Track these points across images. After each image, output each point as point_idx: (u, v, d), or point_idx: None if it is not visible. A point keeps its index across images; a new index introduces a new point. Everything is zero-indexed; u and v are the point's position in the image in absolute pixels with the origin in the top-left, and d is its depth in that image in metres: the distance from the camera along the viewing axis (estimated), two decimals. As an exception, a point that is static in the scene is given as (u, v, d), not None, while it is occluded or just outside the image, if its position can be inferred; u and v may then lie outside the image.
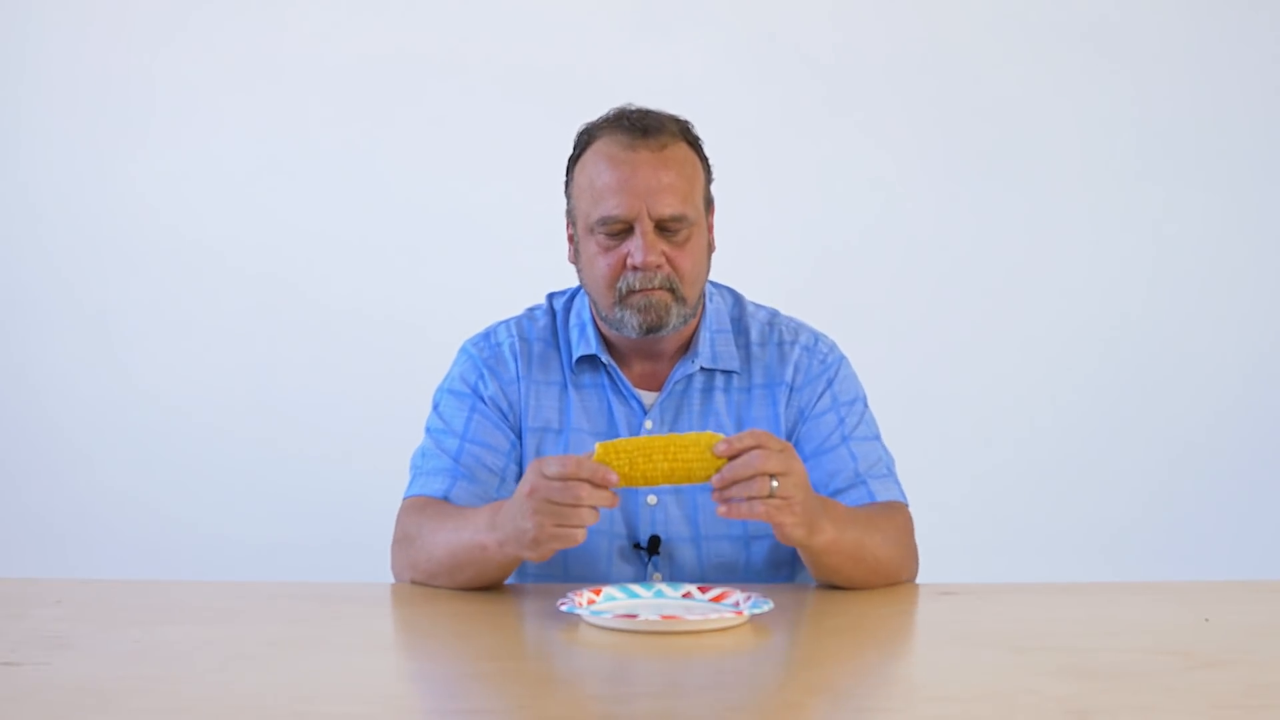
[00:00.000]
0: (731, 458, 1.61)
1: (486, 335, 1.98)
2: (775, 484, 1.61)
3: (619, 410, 1.91)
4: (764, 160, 3.16)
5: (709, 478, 1.62)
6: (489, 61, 3.15)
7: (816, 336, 1.97)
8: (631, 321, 1.84)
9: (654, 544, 1.88)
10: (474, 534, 1.72)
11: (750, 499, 1.61)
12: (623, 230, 1.83)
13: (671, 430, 1.89)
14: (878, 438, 1.93)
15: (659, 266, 1.83)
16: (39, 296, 3.16)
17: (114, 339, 3.16)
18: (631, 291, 1.83)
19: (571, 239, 1.93)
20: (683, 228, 1.84)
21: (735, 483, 1.60)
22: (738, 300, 2.00)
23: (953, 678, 1.44)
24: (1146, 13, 3.16)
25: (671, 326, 1.86)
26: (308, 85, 3.14)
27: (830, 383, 1.93)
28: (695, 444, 1.63)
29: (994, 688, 1.38)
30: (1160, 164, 3.17)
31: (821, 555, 1.73)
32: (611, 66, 3.13)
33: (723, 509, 1.62)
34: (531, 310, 2.00)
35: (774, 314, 2.00)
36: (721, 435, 1.64)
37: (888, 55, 3.17)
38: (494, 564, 1.72)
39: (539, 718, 1.30)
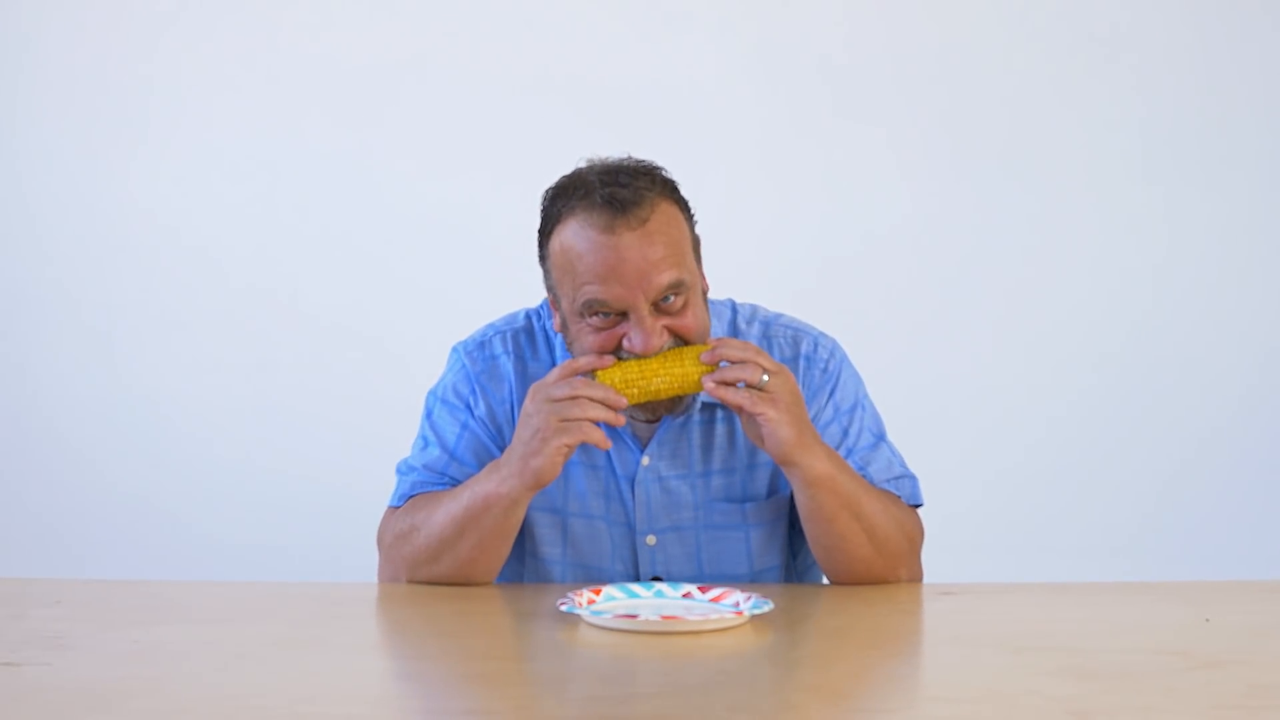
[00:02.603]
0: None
1: (481, 344, 1.91)
2: (766, 378, 1.65)
3: (613, 446, 1.83)
4: (771, 163, 3.16)
5: (703, 372, 1.69)
6: (491, 63, 3.15)
7: (816, 342, 1.90)
8: (640, 415, 1.78)
9: None
10: (473, 490, 1.72)
11: (739, 385, 1.66)
12: (616, 314, 1.73)
13: (671, 465, 1.85)
14: (882, 436, 1.89)
15: (661, 347, 1.73)
16: (37, 297, 3.16)
17: (112, 340, 3.16)
18: None
19: (555, 307, 1.81)
20: (680, 296, 1.74)
21: (728, 361, 1.67)
22: (733, 316, 1.92)
23: (953, 678, 1.44)
24: (1152, 14, 3.16)
25: (683, 405, 1.79)
26: (305, 88, 3.14)
27: (832, 392, 1.87)
28: (686, 356, 1.69)
29: (994, 688, 1.38)
30: (1166, 165, 3.17)
31: (815, 489, 1.72)
32: (616, 69, 3.13)
33: (710, 385, 1.66)
34: (529, 321, 1.92)
35: (767, 324, 1.91)
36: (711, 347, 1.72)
37: (895, 57, 3.17)
38: (499, 513, 1.71)
39: (538, 718, 1.30)
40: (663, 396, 1.70)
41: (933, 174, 3.18)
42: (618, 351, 1.75)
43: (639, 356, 1.73)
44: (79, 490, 3.17)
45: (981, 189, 3.18)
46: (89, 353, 3.16)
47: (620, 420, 1.68)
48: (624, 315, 1.73)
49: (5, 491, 3.17)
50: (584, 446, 1.82)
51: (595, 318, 1.74)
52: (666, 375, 1.68)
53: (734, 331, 1.91)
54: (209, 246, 3.16)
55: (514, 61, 3.14)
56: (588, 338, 1.75)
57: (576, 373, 1.68)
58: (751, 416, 1.69)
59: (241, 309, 3.16)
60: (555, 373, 1.69)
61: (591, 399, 1.65)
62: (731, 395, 1.65)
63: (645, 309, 1.72)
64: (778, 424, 1.65)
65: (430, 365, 1.98)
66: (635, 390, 1.69)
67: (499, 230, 3.04)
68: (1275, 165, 3.18)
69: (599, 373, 1.68)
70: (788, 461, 1.70)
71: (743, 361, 1.68)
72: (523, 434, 1.68)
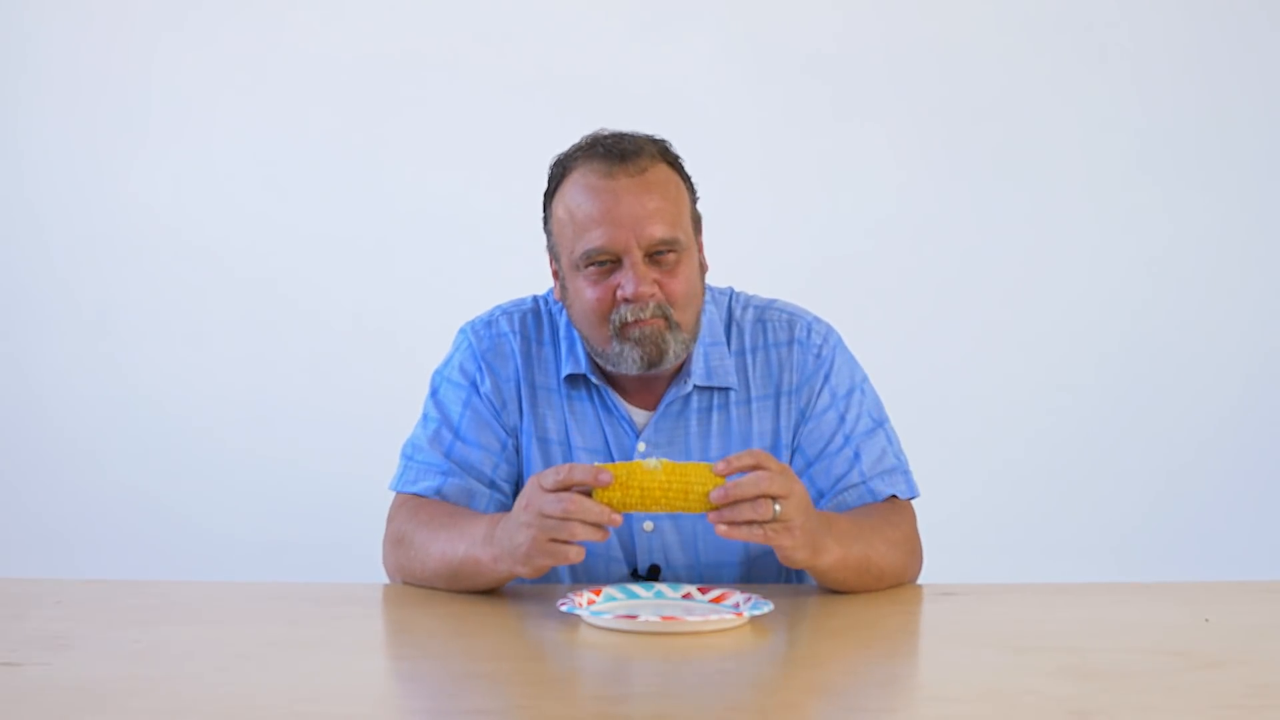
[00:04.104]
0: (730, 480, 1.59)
1: (489, 323, 1.93)
2: (778, 508, 1.59)
3: (610, 431, 1.87)
4: (768, 161, 3.16)
5: (705, 509, 1.59)
6: (491, 63, 3.15)
7: (809, 326, 1.91)
8: (631, 356, 1.78)
9: (654, 573, 1.86)
10: (469, 548, 1.71)
11: (751, 522, 1.59)
12: (611, 263, 1.77)
13: (667, 451, 1.85)
14: (880, 424, 1.89)
15: (651, 295, 1.76)
16: (38, 297, 3.17)
17: (113, 340, 3.16)
18: (625, 324, 1.76)
19: (556, 275, 1.85)
20: (673, 254, 1.77)
21: (736, 502, 1.58)
22: (729, 303, 1.93)
23: (953, 678, 1.44)
24: (1149, 13, 3.17)
25: (672, 357, 1.79)
26: (306, 87, 3.15)
27: (827, 377, 1.88)
28: (691, 476, 1.60)
29: (994, 688, 1.38)
30: (1164, 164, 3.18)
31: (828, 574, 1.72)
32: (614, 67, 3.13)
33: (722, 529, 1.58)
34: (537, 304, 1.94)
35: (762, 309, 1.93)
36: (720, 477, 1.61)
37: (892, 56, 3.17)
38: (488, 579, 1.71)
39: (538, 718, 1.30)
40: (656, 511, 1.63)
41: (930, 172, 3.18)
42: (613, 309, 1.76)
43: (636, 310, 1.74)
44: (80, 489, 3.17)
45: (979, 186, 3.19)
46: (90, 351, 3.16)
47: (607, 535, 1.62)
48: (618, 264, 1.77)
49: (6, 491, 3.17)
50: (581, 425, 1.86)
51: (591, 268, 1.77)
52: (667, 504, 1.61)
53: (729, 318, 1.92)
54: (210, 244, 3.16)
55: (513, 60, 3.15)
56: (585, 293, 1.78)
57: (573, 485, 1.60)
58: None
59: (242, 307, 3.16)
60: (551, 476, 1.60)
61: (584, 522, 1.58)
62: (744, 533, 1.60)
63: (638, 254, 1.76)
64: (794, 550, 1.63)
65: (434, 361, 1.98)
66: (634, 503, 1.62)
67: (501, 226, 3.05)
68: (1272, 164, 3.18)
69: (596, 491, 1.60)
70: (802, 569, 1.70)
71: (755, 498, 1.59)
72: (514, 536, 1.63)
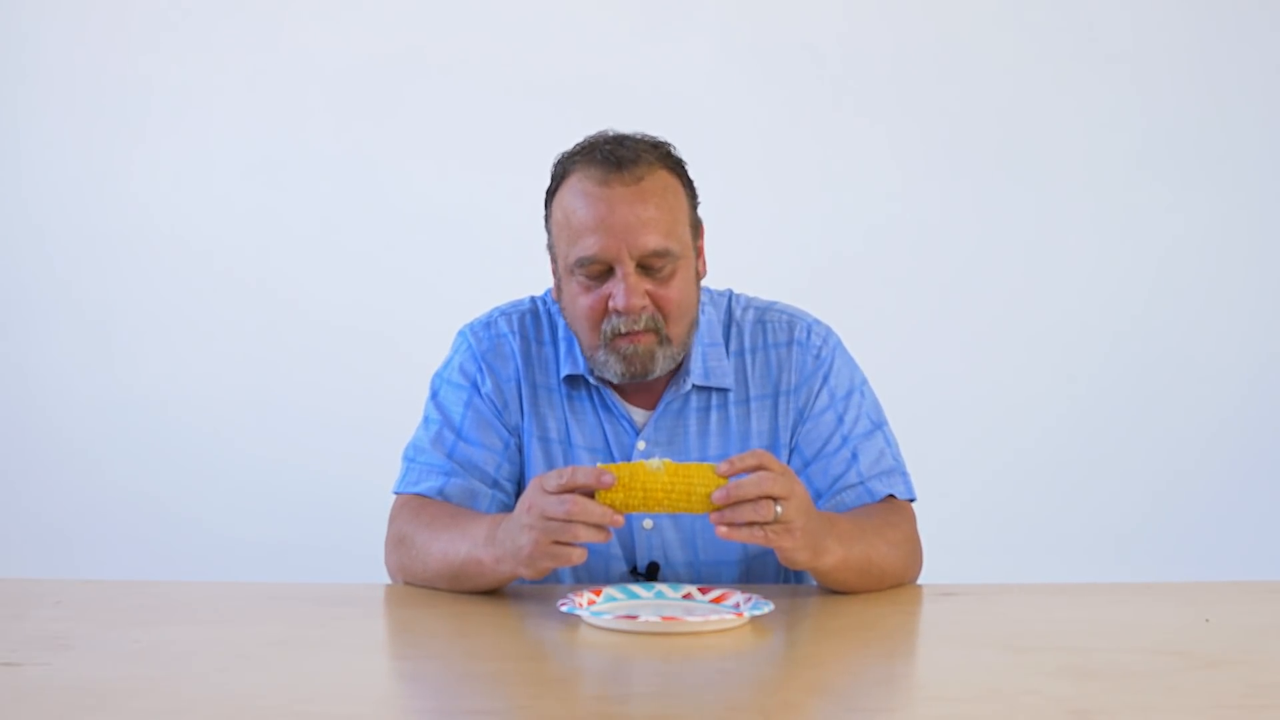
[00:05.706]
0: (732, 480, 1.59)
1: (487, 324, 1.93)
2: (779, 509, 1.58)
3: (610, 429, 1.87)
4: (771, 160, 3.17)
5: (708, 509, 1.59)
6: (489, 62, 3.15)
7: (809, 328, 1.92)
8: (615, 368, 1.79)
9: (653, 570, 1.86)
10: (471, 548, 1.71)
11: (752, 524, 1.58)
12: (603, 271, 1.76)
13: (667, 450, 1.86)
14: (879, 426, 1.89)
15: (643, 308, 1.76)
16: (38, 298, 3.17)
17: (112, 341, 3.17)
18: (617, 335, 1.77)
19: (554, 272, 1.86)
20: (666, 264, 1.76)
21: (738, 502, 1.57)
22: (729, 304, 1.93)
23: (953, 678, 1.44)
24: (1150, 13, 3.17)
25: (658, 370, 1.80)
26: (304, 88, 3.15)
27: (825, 378, 1.89)
28: (693, 477, 1.60)
29: (994, 688, 1.38)
30: (1165, 164, 3.18)
31: (830, 575, 1.72)
32: (616, 67, 3.13)
33: (724, 530, 1.58)
34: (534, 305, 1.95)
35: (762, 310, 1.93)
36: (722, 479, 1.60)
37: (895, 56, 3.17)
38: (489, 579, 1.71)
39: (539, 718, 1.30)
40: (658, 512, 1.64)
41: (932, 172, 3.18)
42: (604, 318, 1.76)
43: (629, 322, 1.75)
44: (79, 490, 3.17)
45: (981, 187, 3.19)
46: (89, 352, 3.16)
47: (609, 537, 1.61)
48: (611, 271, 1.76)
49: (6, 491, 3.17)
50: (581, 425, 1.87)
51: (583, 275, 1.77)
52: (670, 505, 1.61)
53: (729, 319, 1.92)
54: (209, 244, 3.16)
55: (512, 60, 3.15)
56: (578, 299, 1.78)
57: (576, 488, 1.60)
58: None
59: (242, 308, 3.16)
60: (554, 479, 1.60)
61: (586, 524, 1.58)
62: (745, 535, 1.59)
63: (630, 265, 1.75)
64: (795, 551, 1.63)
65: (433, 363, 1.98)
66: (636, 504, 1.61)
67: (499, 227, 3.06)
68: (1274, 163, 3.18)
69: (599, 493, 1.60)
70: (805, 570, 1.70)
71: (756, 499, 1.58)
72: (517, 538, 1.63)
